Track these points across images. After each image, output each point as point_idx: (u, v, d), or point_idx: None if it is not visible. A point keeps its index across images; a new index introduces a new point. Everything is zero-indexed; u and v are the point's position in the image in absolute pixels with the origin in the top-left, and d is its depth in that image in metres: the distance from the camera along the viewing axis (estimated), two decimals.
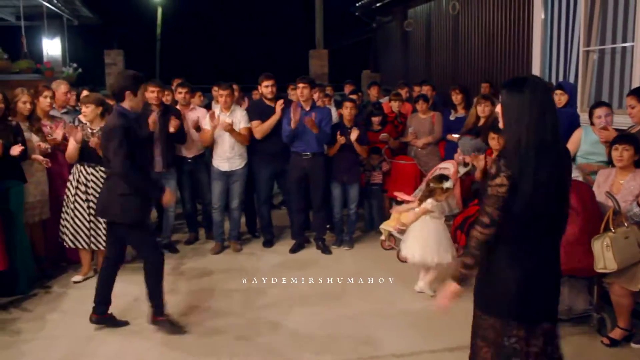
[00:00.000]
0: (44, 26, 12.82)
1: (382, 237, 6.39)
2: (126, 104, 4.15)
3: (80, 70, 12.20)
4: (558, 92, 5.61)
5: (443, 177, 5.29)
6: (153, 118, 5.83)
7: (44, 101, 5.67)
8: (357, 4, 14.71)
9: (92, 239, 5.35)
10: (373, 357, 3.93)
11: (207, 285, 5.41)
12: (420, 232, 5.15)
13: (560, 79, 7.51)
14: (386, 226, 6.23)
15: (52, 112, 5.94)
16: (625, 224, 3.84)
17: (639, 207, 3.96)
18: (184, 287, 5.32)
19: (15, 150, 4.81)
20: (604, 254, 3.73)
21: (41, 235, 5.59)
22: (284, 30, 24.93)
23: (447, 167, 6.40)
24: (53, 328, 4.47)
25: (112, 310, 4.44)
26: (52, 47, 13.59)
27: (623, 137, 4.31)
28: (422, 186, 6.00)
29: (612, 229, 3.79)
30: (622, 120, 5.28)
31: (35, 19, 12.53)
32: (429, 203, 5.17)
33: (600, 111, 4.82)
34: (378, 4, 13.75)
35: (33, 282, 5.26)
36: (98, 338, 4.26)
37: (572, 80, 7.34)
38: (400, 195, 6.24)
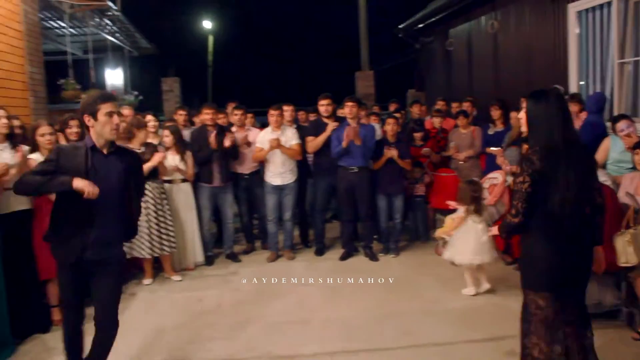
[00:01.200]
0: (108, 58, 13.78)
1: (439, 243, 6.68)
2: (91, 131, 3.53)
3: (140, 97, 13.05)
4: (571, 103, 5.95)
5: (472, 182, 5.72)
6: (213, 137, 6.45)
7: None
8: (399, 26, 15.17)
9: (154, 246, 6.02)
10: (412, 346, 4.33)
11: (266, 288, 5.92)
12: (463, 235, 5.54)
13: (598, 90, 7.77)
14: (441, 233, 6.59)
15: None
16: None
17: None
18: (247, 289, 5.87)
19: None
20: (626, 249, 4.06)
21: None
22: (330, 53, 25.65)
23: (496, 176, 6.76)
24: (127, 323, 5.00)
25: None
26: (114, 76, 14.54)
27: None
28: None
29: (632, 226, 4.11)
30: None
31: (100, 51, 13.50)
32: (460, 211, 5.56)
33: (621, 125, 5.17)
34: (420, 25, 14.17)
35: None
36: (169, 330, 4.81)
37: (608, 91, 7.61)
38: (452, 204, 6.58)
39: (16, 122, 5.34)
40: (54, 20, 11.25)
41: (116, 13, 11.61)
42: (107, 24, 12.46)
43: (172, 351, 4.44)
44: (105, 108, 3.44)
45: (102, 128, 3.43)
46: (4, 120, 4.69)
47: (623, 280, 4.50)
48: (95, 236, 3.40)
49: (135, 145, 6.00)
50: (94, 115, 3.45)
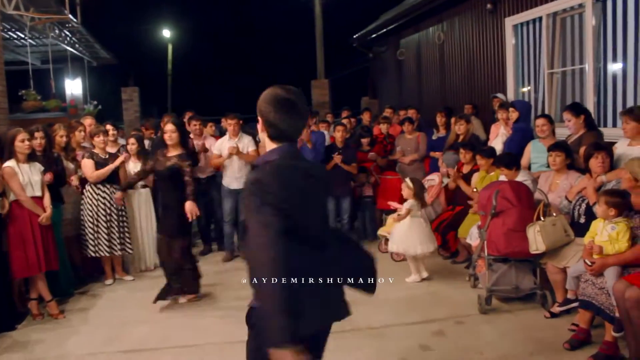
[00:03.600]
0: (68, 68, 13.97)
1: (381, 241, 7.21)
2: None
3: (100, 106, 13.25)
4: (510, 109, 6.56)
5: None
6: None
7: (78, 135, 6.73)
8: (354, 36, 15.73)
9: (113, 246, 6.40)
10: (353, 330, 4.78)
11: (221, 280, 6.39)
12: (403, 229, 6.05)
13: (532, 97, 8.43)
14: (382, 231, 7.08)
15: (83, 144, 6.97)
16: (554, 214, 4.75)
17: (567, 201, 4.87)
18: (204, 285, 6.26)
19: (47, 178, 5.68)
20: (536, 238, 4.63)
21: (77, 248, 6.54)
22: (286, 62, 26.16)
23: (433, 178, 7.35)
24: (94, 317, 5.47)
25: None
26: (74, 86, 14.71)
27: (556, 144, 5.23)
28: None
29: (542, 218, 4.69)
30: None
31: (60, 62, 13.68)
32: (409, 203, 6.08)
33: (539, 121, 5.81)
34: (373, 35, 14.75)
35: (71, 285, 6.23)
36: (130, 325, 5.20)
37: (540, 98, 8.27)
38: (393, 204, 7.06)
39: None
40: (12, 31, 11.45)
41: (76, 25, 11.88)
42: (66, 35, 12.72)
43: (137, 340, 4.83)
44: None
45: None
46: None
47: (537, 267, 5.07)
48: None
49: (99, 151, 6.44)
50: None
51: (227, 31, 27.27)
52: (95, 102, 13.32)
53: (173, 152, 5.53)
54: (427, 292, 5.75)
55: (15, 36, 11.99)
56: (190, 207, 5.35)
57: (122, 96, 14.54)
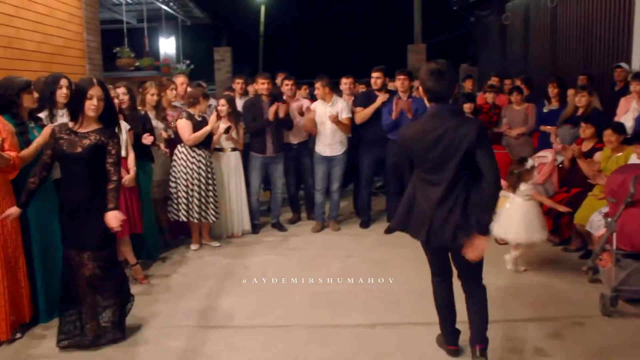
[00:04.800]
0: (162, 27, 13.97)
1: None
2: None
3: (192, 66, 13.21)
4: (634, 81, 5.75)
5: (523, 160, 5.54)
6: (273, 109, 6.49)
7: (170, 93, 6.47)
8: None
9: (202, 213, 6.13)
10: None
11: (311, 257, 5.99)
12: (512, 212, 5.38)
13: None
14: None
15: (174, 103, 6.73)
16: None
17: None
18: (292, 258, 5.97)
19: (147, 139, 5.52)
20: None
21: (164, 210, 6.37)
22: (381, 25, 25.30)
23: (546, 155, 6.62)
24: (178, 285, 5.25)
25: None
26: (167, 45, 14.75)
27: None
28: None
29: None
30: None
31: (154, 20, 13.70)
32: (524, 187, 5.40)
33: None
34: None
35: (158, 249, 6.08)
36: (214, 296, 4.94)
37: None
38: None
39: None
40: None
41: None
42: None
43: (221, 315, 4.56)
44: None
45: None
46: (65, 91, 4.78)
47: None
48: None
49: (195, 112, 6.17)
50: None
51: None
52: (187, 62, 13.29)
53: (89, 127, 3.85)
54: (536, 284, 5.12)
55: None
56: (113, 218, 3.74)
57: (215, 56, 14.46)
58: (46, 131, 4.22)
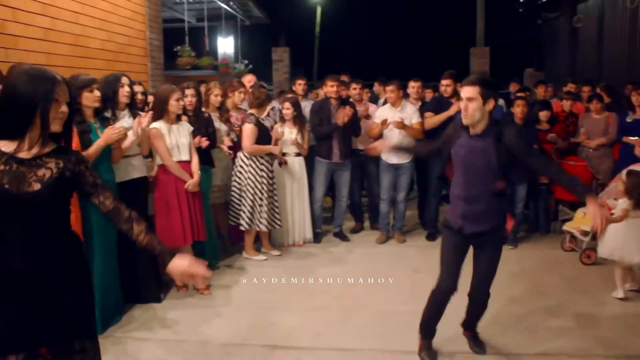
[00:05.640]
0: (221, 26, 13.90)
1: (564, 238, 6.30)
2: None
3: (250, 66, 13.09)
4: None
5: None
6: (343, 113, 6.22)
7: (238, 96, 6.26)
8: (521, 1, 14.27)
9: (269, 220, 5.92)
10: (541, 354, 3.93)
11: (377, 271, 5.64)
12: (620, 231, 4.89)
13: None
14: (569, 227, 6.10)
15: (239, 105, 6.52)
16: None
17: None
18: (357, 271, 5.64)
19: (204, 143, 5.31)
20: None
21: (224, 216, 6.16)
22: (442, 27, 24.75)
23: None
24: (239, 297, 5.02)
25: None
26: (226, 45, 14.69)
27: None
28: (610, 187, 5.75)
29: None
30: None
31: (214, 20, 13.64)
32: (625, 202, 4.94)
33: None
34: (544, 0, 13.27)
35: (217, 256, 5.87)
36: (278, 312, 4.67)
37: None
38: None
39: (139, 88, 5.34)
40: None
41: None
42: None
43: (285, 334, 4.29)
44: None
45: None
46: (127, 89, 4.65)
47: None
48: None
49: (260, 115, 5.95)
50: None
51: None
52: (246, 62, 13.21)
53: (39, 149, 2.22)
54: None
55: None
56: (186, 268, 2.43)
57: (273, 56, 14.33)
58: (107, 132, 4.07)
